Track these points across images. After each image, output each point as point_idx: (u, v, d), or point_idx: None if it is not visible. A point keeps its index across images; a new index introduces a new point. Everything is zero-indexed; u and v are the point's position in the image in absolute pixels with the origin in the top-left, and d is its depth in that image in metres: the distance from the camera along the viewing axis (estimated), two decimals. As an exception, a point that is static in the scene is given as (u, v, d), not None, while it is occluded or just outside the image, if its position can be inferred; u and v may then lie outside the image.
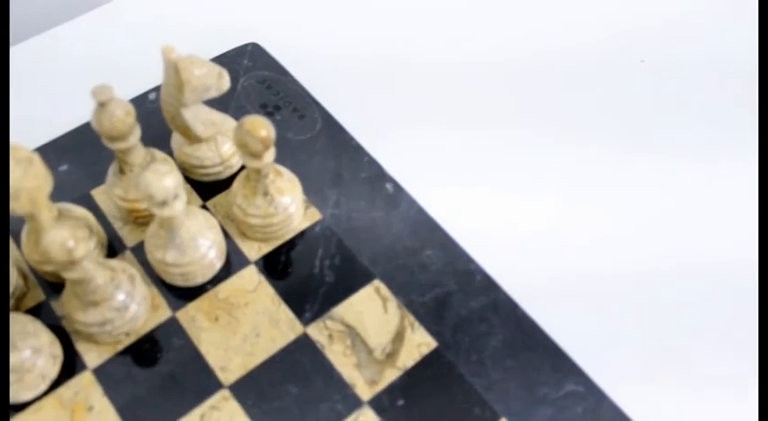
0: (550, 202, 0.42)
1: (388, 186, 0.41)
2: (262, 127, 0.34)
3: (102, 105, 0.33)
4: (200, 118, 0.38)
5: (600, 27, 0.51)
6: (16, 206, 0.32)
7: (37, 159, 0.32)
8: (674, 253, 0.40)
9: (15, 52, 0.49)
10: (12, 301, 0.37)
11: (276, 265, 0.38)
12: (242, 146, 0.34)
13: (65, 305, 0.35)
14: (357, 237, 0.39)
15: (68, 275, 0.32)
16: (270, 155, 0.35)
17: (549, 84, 0.48)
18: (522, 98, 0.47)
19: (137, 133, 0.35)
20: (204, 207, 0.40)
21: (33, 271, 0.38)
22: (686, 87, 0.48)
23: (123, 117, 0.34)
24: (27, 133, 0.42)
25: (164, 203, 0.32)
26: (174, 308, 0.37)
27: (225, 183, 0.41)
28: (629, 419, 0.34)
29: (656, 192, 0.43)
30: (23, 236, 0.36)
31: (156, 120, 0.43)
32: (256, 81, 0.46)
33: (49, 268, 0.36)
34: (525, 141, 0.44)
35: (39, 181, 0.32)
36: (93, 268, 0.32)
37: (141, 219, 0.39)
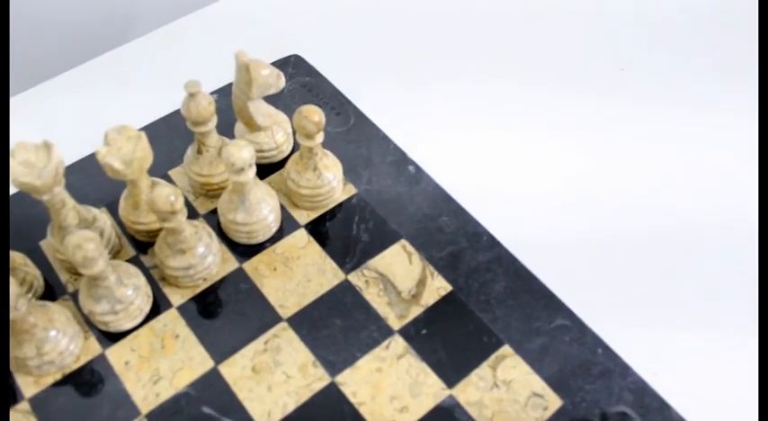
0: (542, 177, 0.51)
1: (411, 168, 0.50)
2: (315, 113, 0.43)
3: (191, 96, 0.42)
4: (261, 111, 0.47)
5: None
6: (128, 172, 0.41)
7: (143, 136, 0.41)
8: (659, 209, 0.49)
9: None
10: (110, 256, 0.45)
11: (322, 228, 0.47)
12: (299, 128, 0.43)
13: (157, 253, 0.43)
14: (386, 206, 0.48)
15: (166, 225, 0.40)
16: (320, 136, 0.44)
17: (548, 48, 0.58)
18: (522, 71, 0.57)
19: (215, 120, 0.45)
20: (261, 184, 0.49)
21: (125, 232, 0.47)
22: (687, 46, 0.57)
23: (207, 106, 0.43)
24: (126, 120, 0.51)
25: (241, 170, 0.41)
26: (240, 261, 0.46)
27: (278, 165, 0.50)
28: (607, 345, 0.43)
29: (644, 149, 0.52)
30: (122, 201, 0.45)
31: (219, 117, 0.51)
32: (299, 85, 0.55)
33: (141, 227, 0.45)
34: (524, 124, 0.54)
35: (145, 153, 0.41)
36: (183, 221, 0.41)
37: (211, 192, 0.48)
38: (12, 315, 0.38)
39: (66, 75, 0.57)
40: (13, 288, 0.37)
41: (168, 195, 0.39)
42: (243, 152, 0.41)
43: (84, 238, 0.37)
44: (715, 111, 0.55)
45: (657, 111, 0.56)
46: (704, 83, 0.57)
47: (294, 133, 0.50)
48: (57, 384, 0.41)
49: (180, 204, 0.40)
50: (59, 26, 0.56)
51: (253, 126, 0.48)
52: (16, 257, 0.43)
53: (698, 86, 0.56)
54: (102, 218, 0.45)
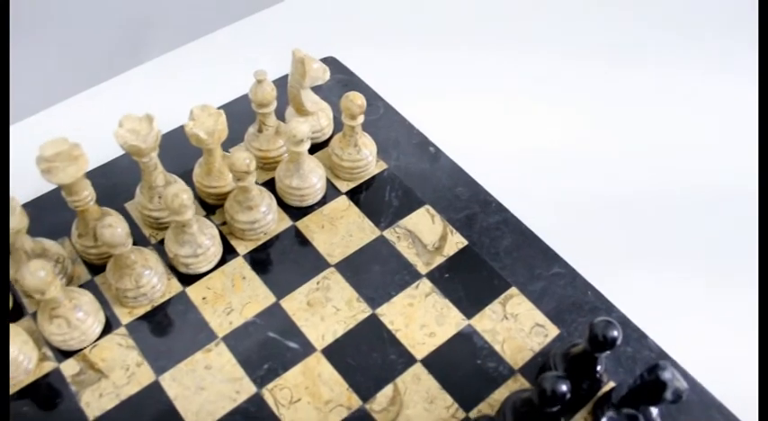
0: (541, 153, 0.61)
1: (431, 148, 0.60)
2: (359, 98, 0.53)
3: (259, 82, 0.52)
4: (310, 98, 0.57)
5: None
6: (209, 141, 0.50)
7: (222, 113, 0.50)
8: (658, 169, 0.60)
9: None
10: (185, 214, 0.54)
11: (360, 195, 0.56)
12: (346, 109, 0.53)
13: (228, 210, 0.52)
14: (412, 179, 0.58)
15: (240, 183, 0.50)
16: (361, 118, 0.54)
17: (549, 22, 0.69)
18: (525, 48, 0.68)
19: (275, 103, 0.54)
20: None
21: (196, 196, 0.55)
22: (685, 4, 0.68)
23: (270, 91, 0.53)
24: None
25: (300, 141, 0.51)
26: (294, 219, 0.55)
27: (321, 145, 0.59)
28: (595, 288, 0.52)
29: (643, 115, 0.64)
30: (196, 168, 0.54)
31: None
32: (335, 82, 0.65)
33: (212, 190, 0.54)
34: (529, 108, 0.65)
35: (223, 127, 0.50)
36: (254, 181, 0.50)
37: (267, 165, 0.57)
38: (119, 251, 0.46)
39: (142, 66, 0.68)
40: (124, 227, 0.45)
41: (245, 158, 0.48)
42: (303, 126, 0.51)
43: (180, 189, 0.46)
44: (714, 67, 0.66)
45: (654, 75, 0.67)
46: (702, 40, 0.67)
47: (334, 119, 0.60)
48: (147, 315, 0.50)
49: (253, 166, 0.49)
50: (151, 23, 0.66)
51: (303, 111, 0.57)
52: (111, 211, 0.52)
53: (696, 45, 0.67)
54: (181, 182, 0.54)
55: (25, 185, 0.55)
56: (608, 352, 0.43)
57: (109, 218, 0.46)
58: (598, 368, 0.45)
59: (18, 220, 0.46)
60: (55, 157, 0.45)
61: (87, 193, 0.48)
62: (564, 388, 0.40)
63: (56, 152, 0.45)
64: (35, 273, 0.43)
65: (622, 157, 0.62)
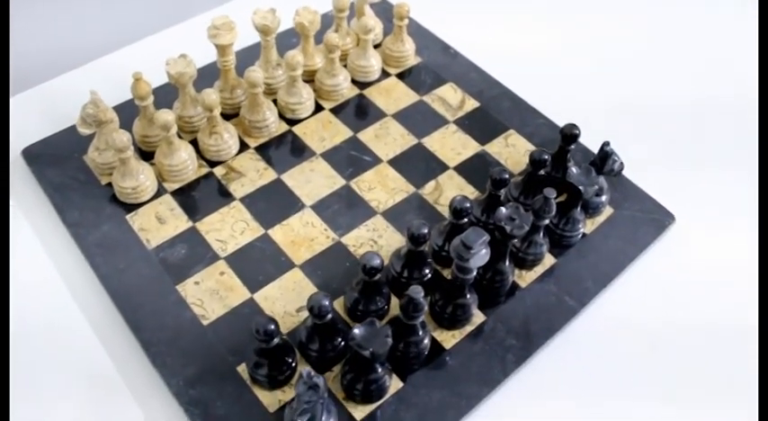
0: (537, 46, 0.86)
1: (451, 50, 0.86)
2: (406, 5, 0.77)
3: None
4: (368, 12, 0.82)
5: None
6: (310, 27, 0.74)
7: (318, 12, 0.74)
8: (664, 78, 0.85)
9: None
10: (285, 86, 0.78)
11: (405, 77, 0.81)
12: (397, 14, 0.79)
13: (318, 78, 0.77)
14: (439, 68, 0.83)
15: (330, 56, 0.74)
16: (407, 20, 0.79)
17: None
18: None
19: (347, 12, 0.78)
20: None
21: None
22: None
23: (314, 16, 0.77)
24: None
25: (369, 31, 0.75)
26: (361, 89, 0.80)
27: (376, 47, 0.83)
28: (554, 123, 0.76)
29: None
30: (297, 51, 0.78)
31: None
32: (381, 9, 0.90)
33: (307, 68, 0.77)
34: (528, 12, 0.90)
35: (318, 19, 0.75)
36: (338, 57, 0.74)
37: (341, 56, 0.81)
38: (256, 90, 0.70)
39: None
40: (261, 74, 0.69)
41: (335, 37, 0.73)
42: (370, 20, 0.76)
43: (296, 52, 0.70)
44: None
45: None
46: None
47: (383, 33, 0.85)
48: (267, 143, 0.74)
49: (341, 43, 0.73)
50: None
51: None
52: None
53: None
54: (284, 62, 0.78)
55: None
56: (573, 146, 0.68)
57: (252, 67, 0.69)
58: (569, 158, 0.69)
59: (191, 70, 0.69)
60: (220, 26, 0.69)
61: (232, 58, 0.72)
62: (545, 155, 0.64)
63: (221, 23, 0.69)
64: (210, 94, 0.67)
65: (599, 52, 0.88)
